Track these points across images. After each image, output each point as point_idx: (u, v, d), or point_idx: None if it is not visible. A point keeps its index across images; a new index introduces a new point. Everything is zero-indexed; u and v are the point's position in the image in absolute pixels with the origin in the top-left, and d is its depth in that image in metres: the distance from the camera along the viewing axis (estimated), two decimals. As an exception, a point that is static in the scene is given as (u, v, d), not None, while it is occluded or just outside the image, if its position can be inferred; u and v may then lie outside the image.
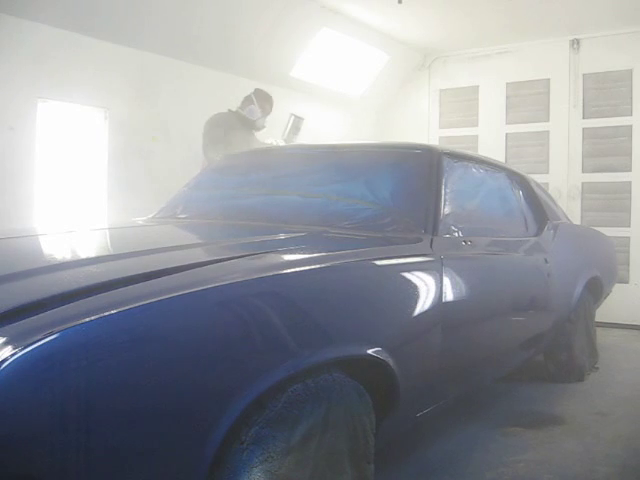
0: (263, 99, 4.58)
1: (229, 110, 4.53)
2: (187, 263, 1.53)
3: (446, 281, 2.19)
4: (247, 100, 4.57)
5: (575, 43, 5.83)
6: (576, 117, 5.85)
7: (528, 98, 6.08)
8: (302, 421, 1.50)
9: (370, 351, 1.74)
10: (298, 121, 4.80)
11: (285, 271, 1.63)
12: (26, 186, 3.66)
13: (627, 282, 5.56)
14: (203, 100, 4.67)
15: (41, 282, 1.39)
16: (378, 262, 1.98)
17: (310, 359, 1.55)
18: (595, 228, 4.74)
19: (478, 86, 6.36)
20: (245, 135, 4.49)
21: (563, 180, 5.88)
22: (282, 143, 4.69)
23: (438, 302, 2.12)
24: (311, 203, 2.66)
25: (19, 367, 1.04)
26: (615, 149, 5.71)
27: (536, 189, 3.65)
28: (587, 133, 5.82)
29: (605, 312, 4.89)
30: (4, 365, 1.03)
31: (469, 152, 3.31)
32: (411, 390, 1.97)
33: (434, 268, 2.17)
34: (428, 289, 2.10)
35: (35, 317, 1.15)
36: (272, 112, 4.64)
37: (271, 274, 1.57)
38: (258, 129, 4.62)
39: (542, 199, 3.65)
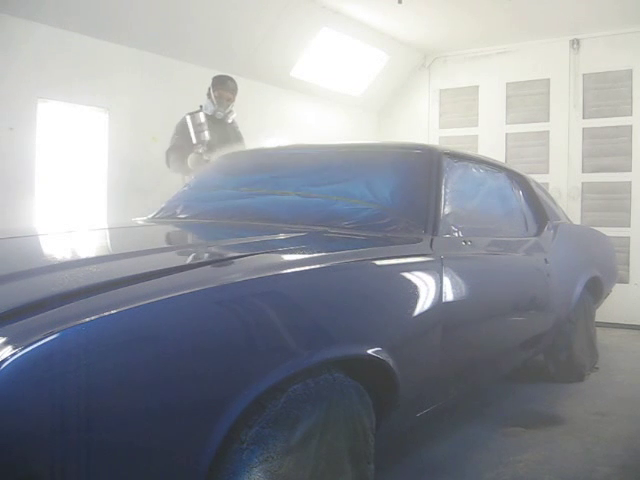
0: (219, 87, 4.10)
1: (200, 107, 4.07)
2: (187, 263, 1.54)
3: (446, 281, 2.18)
4: (207, 94, 4.12)
5: (575, 43, 5.82)
6: (576, 117, 5.85)
7: (528, 98, 6.08)
8: (302, 421, 1.50)
9: (370, 351, 1.74)
10: (195, 117, 4.02)
11: (285, 271, 1.62)
12: (26, 186, 3.66)
13: (627, 282, 5.56)
14: (203, 100, 4.67)
15: (41, 282, 1.39)
16: (378, 262, 1.97)
17: (310, 359, 1.54)
18: (595, 228, 4.74)
19: (478, 86, 6.36)
20: (220, 133, 4.04)
21: (563, 180, 5.88)
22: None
23: (438, 302, 2.12)
24: (311, 203, 2.65)
25: (19, 367, 1.04)
26: (615, 149, 5.70)
27: (536, 189, 3.65)
28: (587, 133, 5.82)
29: (605, 312, 4.88)
30: (4, 365, 1.02)
31: (469, 152, 3.31)
32: (411, 390, 1.97)
33: (434, 268, 2.17)
34: (428, 289, 2.10)
35: (35, 317, 1.14)
36: (236, 97, 4.16)
37: (271, 274, 1.57)
38: (225, 122, 4.15)
39: (542, 199, 3.65)
